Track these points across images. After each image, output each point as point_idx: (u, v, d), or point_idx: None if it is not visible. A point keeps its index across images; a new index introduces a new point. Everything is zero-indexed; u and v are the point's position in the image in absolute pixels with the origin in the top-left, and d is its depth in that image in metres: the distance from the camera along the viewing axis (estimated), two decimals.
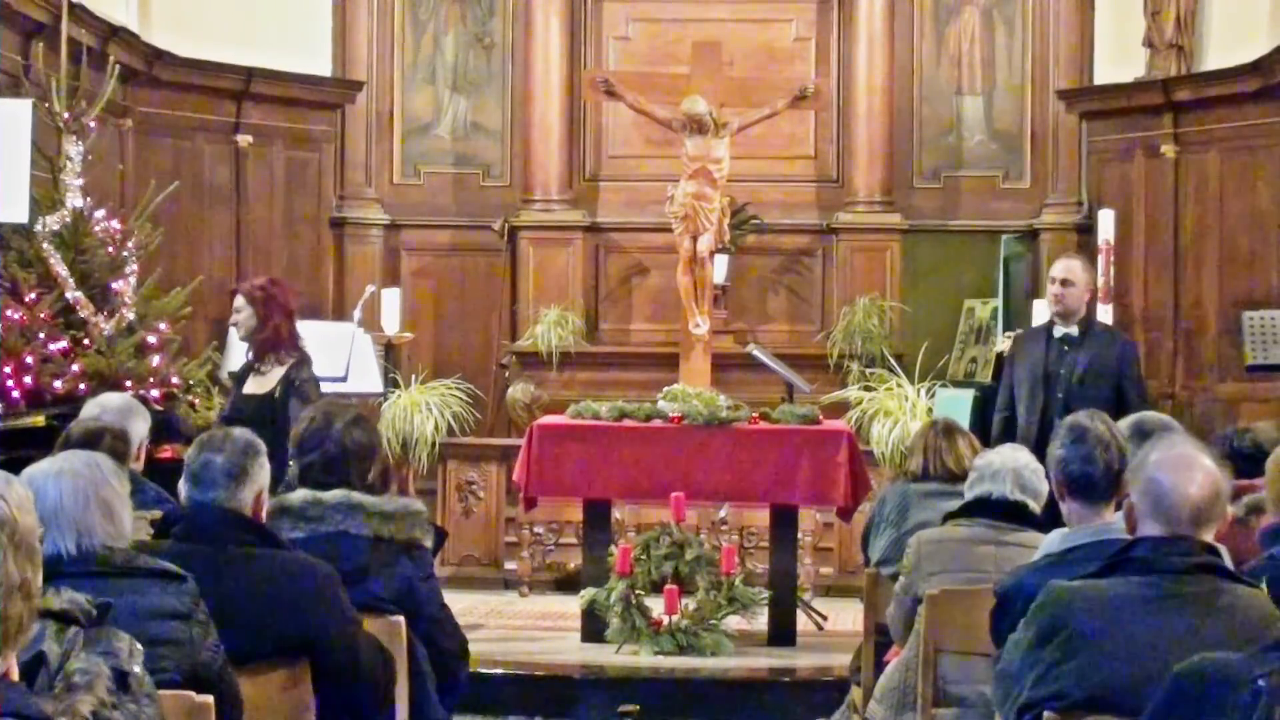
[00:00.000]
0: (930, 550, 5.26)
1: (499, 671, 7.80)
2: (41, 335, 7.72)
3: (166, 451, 6.95)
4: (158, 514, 4.49)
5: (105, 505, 3.56)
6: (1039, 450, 7.28)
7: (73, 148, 8.15)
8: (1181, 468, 3.52)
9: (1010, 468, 5.23)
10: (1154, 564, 3.50)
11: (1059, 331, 7.76)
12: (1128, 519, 3.63)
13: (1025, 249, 12.47)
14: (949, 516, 5.37)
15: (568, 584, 9.69)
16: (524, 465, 8.56)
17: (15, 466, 3.40)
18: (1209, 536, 3.54)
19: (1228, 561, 3.64)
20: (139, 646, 2.83)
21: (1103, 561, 3.60)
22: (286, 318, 7.22)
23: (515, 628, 9.04)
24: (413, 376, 11.24)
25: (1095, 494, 4.14)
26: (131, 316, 8.09)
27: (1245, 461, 5.11)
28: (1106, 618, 3.47)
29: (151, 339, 8.06)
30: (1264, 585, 3.76)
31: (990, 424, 8.09)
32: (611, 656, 8.12)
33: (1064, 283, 7.73)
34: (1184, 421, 6.57)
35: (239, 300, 7.32)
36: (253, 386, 7.25)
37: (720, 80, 10.59)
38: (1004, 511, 5.18)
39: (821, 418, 8.89)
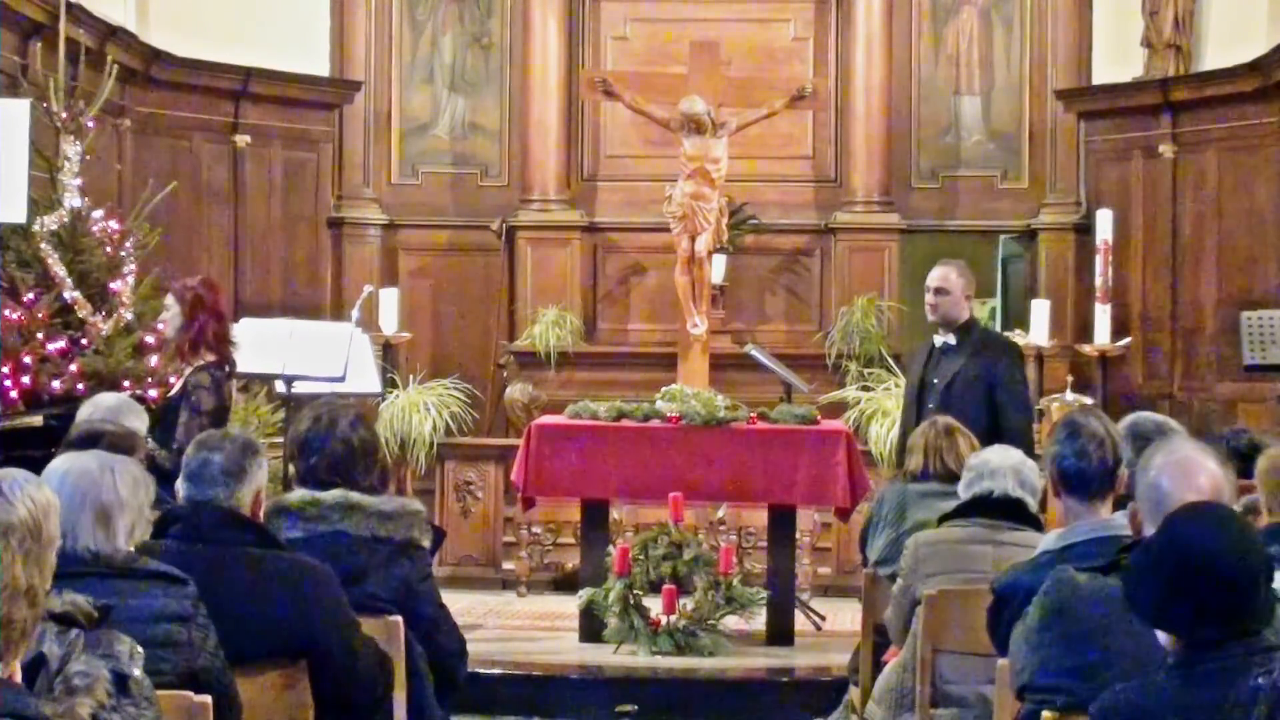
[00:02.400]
0: (927, 552, 5.26)
1: (497, 671, 7.80)
2: (39, 335, 7.71)
3: None
4: (155, 514, 4.48)
5: (101, 512, 3.54)
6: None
7: (71, 148, 8.14)
8: (1182, 473, 3.51)
9: (1009, 465, 5.25)
10: None
11: (939, 340, 7.58)
12: (1132, 522, 3.63)
13: (1023, 249, 12.49)
14: (944, 518, 5.37)
15: (566, 584, 9.68)
16: (522, 465, 8.56)
17: (13, 466, 3.39)
18: None
19: None
20: (139, 649, 2.83)
21: (1105, 559, 3.60)
22: (214, 319, 7.15)
23: (513, 628, 9.04)
24: (411, 377, 11.25)
25: (1090, 490, 4.14)
26: (129, 316, 8.07)
27: (1243, 462, 5.13)
28: (1107, 613, 3.48)
29: (149, 339, 8.05)
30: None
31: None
32: (609, 657, 8.12)
33: (938, 291, 7.54)
34: (1182, 422, 6.54)
35: (168, 299, 7.29)
36: (173, 389, 7.24)
37: (718, 80, 10.60)
38: (1004, 509, 5.19)
39: (820, 418, 8.89)
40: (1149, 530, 3.56)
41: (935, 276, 7.62)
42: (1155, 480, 3.53)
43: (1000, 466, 5.24)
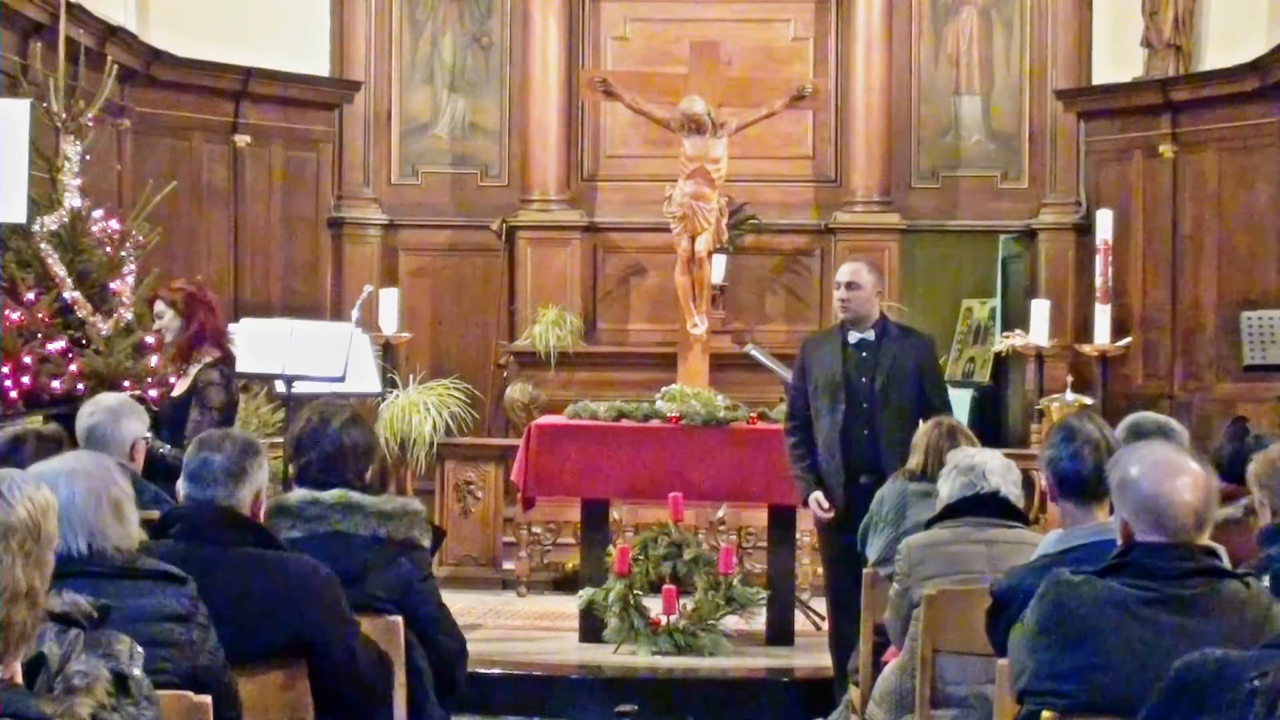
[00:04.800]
0: (920, 555, 5.27)
1: (497, 671, 7.80)
2: (39, 335, 7.71)
3: None
4: (155, 514, 4.48)
5: (116, 506, 3.55)
6: (844, 459, 7.22)
7: (71, 148, 8.14)
8: (1169, 474, 3.49)
9: (999, 463, 5.28)
10: (1153, 570, 3.49)
11: (854, 338, 7.37)
12: (1122, 534, 3.61)
13: (1023, 249, 12.49)
14: (931, 521, 5.37)
15: (566, 584, 9.69)
16: (522, 465, 8.57)
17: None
18: (1206, 538, 3.54)
19: (1226, 561, 3.64)
20: (139, 649, 2.82)
21: (1104, 562, 3.59)
22: (210, 313, 7.20)
23: (513, 628, 9.05)
24: (411, 377, 11.25)
25: (1087, 493, 4.14)
26: (129, 316, 8.07)
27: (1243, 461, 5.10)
28: (1106, 616, 3.47)
29: (149, 339, 8.05)
30: (1265, 581, 3.77)
31: (987, 424, 8.04)
32: (609, 657, 8.12)
33: (849, 286, 7.36)
34: (1182, 422, 6.52)
35: (159, 306, 7.31)
36: (178, 388, 7.25)
37: (718, 80, 10.58)
38: (994, 507, 5.20)
39: None
40: (1148, 538, 3.53)
41: (846, 272, 7.49)
42: (1143, 489, 3.49)
43: (996, 466, 5.27)
